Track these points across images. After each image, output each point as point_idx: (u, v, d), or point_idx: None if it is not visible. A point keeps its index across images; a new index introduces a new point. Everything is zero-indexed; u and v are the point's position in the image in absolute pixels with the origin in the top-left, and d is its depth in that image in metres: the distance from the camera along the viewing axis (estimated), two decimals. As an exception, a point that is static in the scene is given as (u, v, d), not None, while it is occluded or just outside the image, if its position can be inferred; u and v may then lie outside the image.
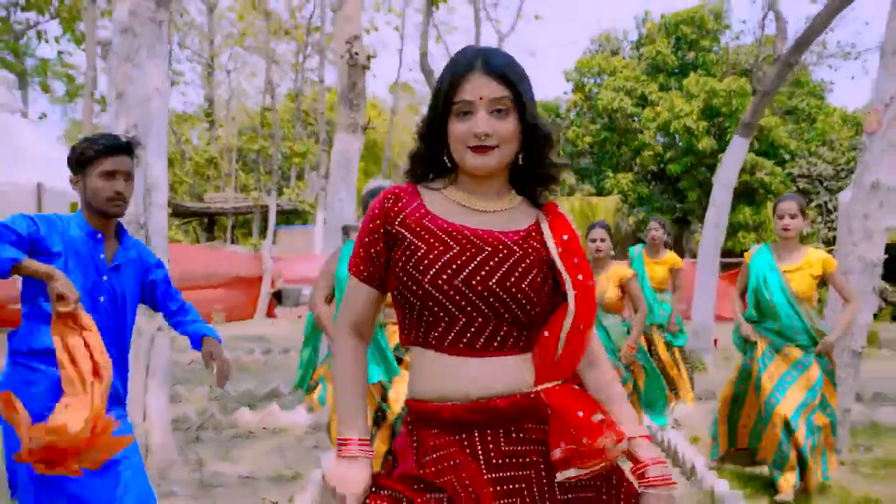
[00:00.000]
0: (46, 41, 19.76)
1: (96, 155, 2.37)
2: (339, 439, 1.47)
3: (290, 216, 25.35)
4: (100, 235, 2.39)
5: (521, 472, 1.38)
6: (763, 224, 20.41)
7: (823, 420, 3.96)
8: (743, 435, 4.26)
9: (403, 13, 22.64)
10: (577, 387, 1.47)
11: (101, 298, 2.36)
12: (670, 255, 5.98)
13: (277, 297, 16.89)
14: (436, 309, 1.39)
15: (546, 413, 1.39)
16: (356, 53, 7.79)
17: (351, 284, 1.53)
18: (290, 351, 9.76)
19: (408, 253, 1.41)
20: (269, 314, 15.88)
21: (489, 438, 1.38)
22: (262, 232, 22.93)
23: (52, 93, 20.18)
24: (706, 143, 20.92)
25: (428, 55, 13.40)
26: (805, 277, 3.90)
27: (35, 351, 2.23)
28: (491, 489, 1.35)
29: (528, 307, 1.39)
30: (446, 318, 1.39)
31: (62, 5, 17.77)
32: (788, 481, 3.85)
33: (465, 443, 1.38)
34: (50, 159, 10.11)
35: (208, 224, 26.81)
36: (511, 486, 1.37)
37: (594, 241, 4.57)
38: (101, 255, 2.38)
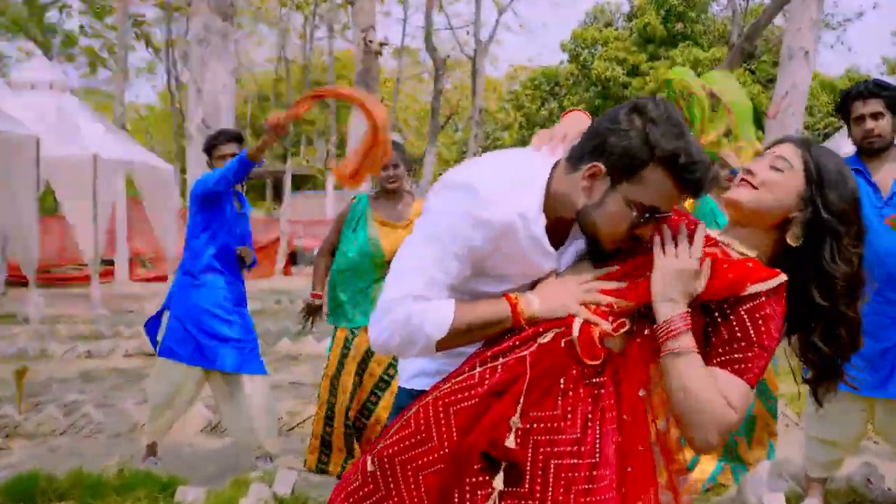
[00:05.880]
0: (70, 15, 21.03)
1: (218, 143, 3.80)
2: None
3: (300, 182, 26.71)
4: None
5: None
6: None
7: (759, 409, 3.48)
8: None
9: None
10: None
11: None
12: None
13: (292, 257, 18.48)
14: None
15: None
16: (370, 41, 9.16)
17: None
18: (311, 301, 11.34)
19: None
20: (286, 272, 17.41)
21: None
22: (274, 197, 24.32)
23: (76, 66, 21.40)
24: (691, 111, 22.23)
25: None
26: None
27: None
28: None
29: None
30: None
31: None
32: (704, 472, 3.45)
33: None
34: (99, 133, 11.38)
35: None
36: None
37: None
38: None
